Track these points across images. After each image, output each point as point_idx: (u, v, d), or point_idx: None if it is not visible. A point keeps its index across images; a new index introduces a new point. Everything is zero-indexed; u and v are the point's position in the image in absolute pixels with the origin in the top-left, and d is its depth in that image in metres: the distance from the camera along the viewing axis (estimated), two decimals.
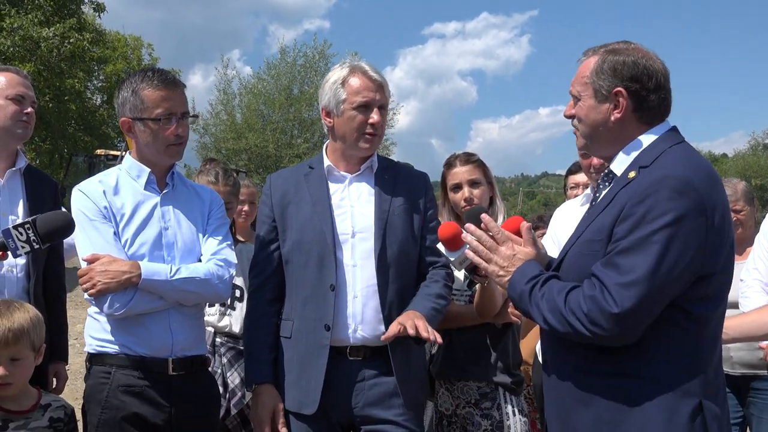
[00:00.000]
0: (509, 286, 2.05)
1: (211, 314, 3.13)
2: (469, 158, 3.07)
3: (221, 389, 3.04)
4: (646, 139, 1.99)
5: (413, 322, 2.38)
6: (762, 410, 3.75)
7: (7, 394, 2.39)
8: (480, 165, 3.05)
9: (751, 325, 2.65)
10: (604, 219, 1.91)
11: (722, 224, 1.84)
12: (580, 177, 4.23)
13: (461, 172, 3.03)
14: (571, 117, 2.09)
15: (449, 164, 3.09)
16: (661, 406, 1.81)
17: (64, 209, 2.85)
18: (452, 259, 2.43)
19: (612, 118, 1.98)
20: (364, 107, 2.56)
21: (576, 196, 4.03)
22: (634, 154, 1.98)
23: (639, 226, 1.79)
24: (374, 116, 2.56)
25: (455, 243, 2.41)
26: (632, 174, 1.92)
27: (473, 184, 3.01)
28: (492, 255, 2.10)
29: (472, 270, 2.49)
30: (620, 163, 2.01)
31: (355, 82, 2.57)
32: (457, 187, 3.03)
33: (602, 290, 1.80)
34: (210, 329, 3.12)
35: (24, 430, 2.39)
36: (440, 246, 2.45)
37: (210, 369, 3.05)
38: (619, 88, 1.95)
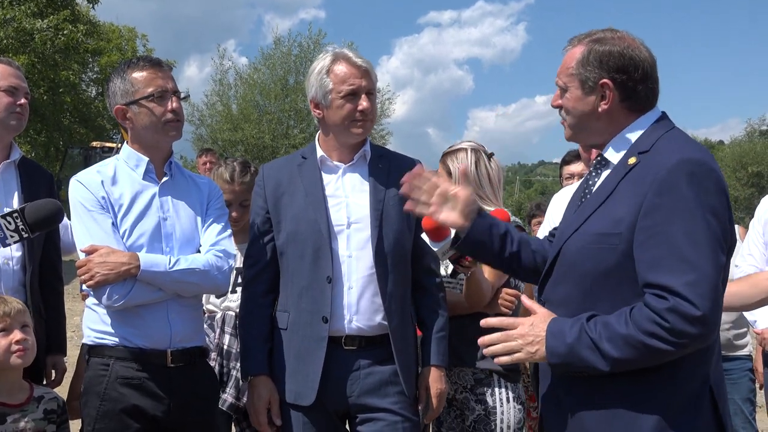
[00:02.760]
0: (549, 353, 1.84)
1: (233, 300, 3.13)
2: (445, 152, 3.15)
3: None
4: (639, 125, 1.96)
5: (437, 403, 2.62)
6: (729, 390, 3.79)
7: (27, 361, 2.46)
8: (442, 158, 3.09)
9: (731, 298, 2.63)
10: (617, 210, 1.85)
11: (729, 203, 1.84)
12: (575, 167, 4.26)
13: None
14: (559, 107, 2.06)
15: None
16: (676, 400, 1.79)
17: (60, 201, 2.84)
18: (435, 249, 2.43)
19: (599, 110, 1.95)
20: (352, 95, 2.53)
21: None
22: (629, 140, 1.96)
23: (674, 218, 1.74)
24: (363, 103, 2.53)
25: (439, 234, 2.40)
26: (632, 160, 1.89)
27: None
28: (511, 341, 1.91)
29: (456, 261, 2.49)
30: (615, 150, 1.98)
31: (340, 70, 2.53)
32: None
33: (674, 297, 1.70)
34: (231, 313, 3.12)
35: (22, 422, 2.41)
36: (424, 236, 2.46)
37: (235, 350, 3.04)
38: (605, 80, 1.92)
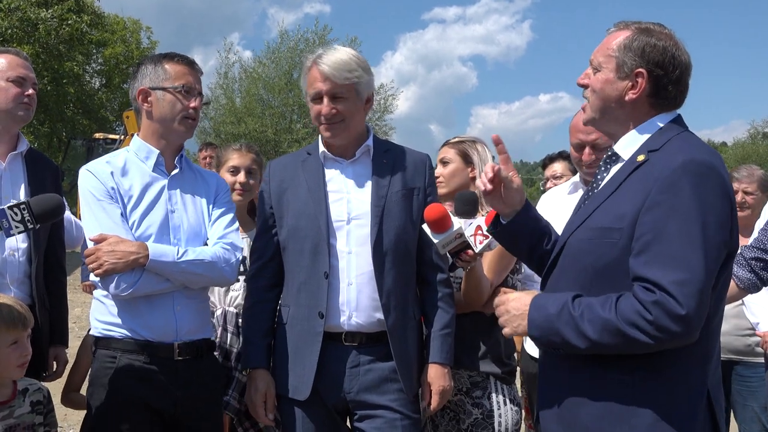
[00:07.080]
0: (530, 325, 1.92)
1: (236, 289, 3.12)
2: (449, 140, 3.11)
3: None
4: (654, 123, 1.95)
5: (438, 400, 2.58)
6: (747, 397, 3.79)
7: (24, 372, 2.42)
8: (454, 145, 3.05)
9: None
10: (621, 206, 1.85)
11: (735, 209, 1.83)
12: (557, 165, 4.34)
13: (441, 152, 3.09)
14: (584, 86, 2.03)
15: None
16: (673, 398, 1.79)
17: (64, 192, 2.83)
18: (436, 241, 2.40)
19: (626, 98, 1.94)
20: (317, 98, 2.56)
21: (555, 185, 4.12)
22: (642, 136, 1.94)
23: (672, 216, 1.73)
24: (323, 107, 2.55)
25: (441, 225, 2.37)
26: (641, 157, 1.88)
27: (442, 162, 3.06)
28: (501, 316, 2.02)
29: (456, 254, 2.47)
30: (627, 146, 1.97)
31: (310, 74, 2.58)
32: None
33: (661, 292, 1.70)
34: (232, 310, 3.11)
35: (11, 419, 2.38)
36: (425, 227, 2.44)
37: (236, 350, 3.02)
38: (641, 69, 1.91)
